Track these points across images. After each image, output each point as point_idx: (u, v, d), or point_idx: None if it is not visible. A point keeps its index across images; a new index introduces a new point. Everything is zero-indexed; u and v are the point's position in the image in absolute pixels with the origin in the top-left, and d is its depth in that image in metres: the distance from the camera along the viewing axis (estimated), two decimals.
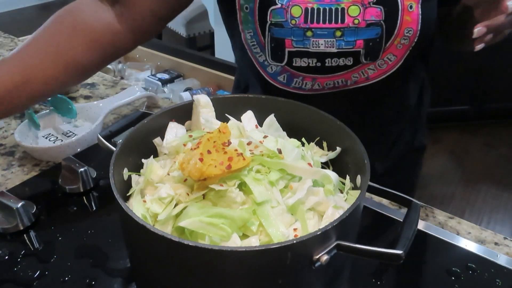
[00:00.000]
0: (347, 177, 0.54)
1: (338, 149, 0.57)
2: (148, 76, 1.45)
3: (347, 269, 0.52)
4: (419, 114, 0.88)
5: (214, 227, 0.43)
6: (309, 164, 0.52)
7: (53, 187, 0.73)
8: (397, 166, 0.86)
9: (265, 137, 0.55)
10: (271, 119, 0.60)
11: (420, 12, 0.67)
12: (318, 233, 0.40)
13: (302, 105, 0.59)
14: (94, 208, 0.70)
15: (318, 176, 0.50)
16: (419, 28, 0.68)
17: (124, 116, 0.86)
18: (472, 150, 2.43)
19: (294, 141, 0.57)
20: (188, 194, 0.47)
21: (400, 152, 0.86)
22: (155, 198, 0.47)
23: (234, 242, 0.43)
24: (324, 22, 0.68)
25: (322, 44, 0.68)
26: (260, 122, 0.60)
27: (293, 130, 0.60)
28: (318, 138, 0.59)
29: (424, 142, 0.92)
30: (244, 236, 0.45)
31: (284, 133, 0.60)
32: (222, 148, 0.49)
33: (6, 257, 0.60)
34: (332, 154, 0.57)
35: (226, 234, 0.43)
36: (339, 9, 0.67)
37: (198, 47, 2.84)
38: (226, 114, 0.59)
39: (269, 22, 0.69)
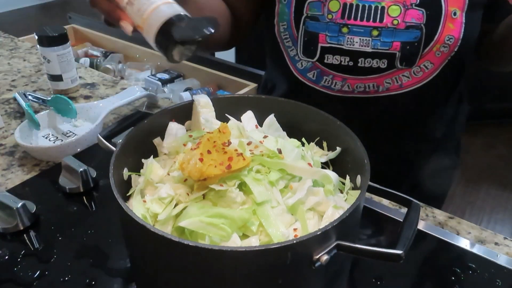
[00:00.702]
0: (347, 177, 0.54)
1: (338, 149, 0.57)
2: (148, 76, 1.45)
3: (347, 269, 0.52)
4: (453, 132, 0.84)
5: (214, 227, 0.43)
6: (309, 164, 0.52)
7: (53, 187, 0.73)
8: (424, 183, 0.82)
9: (265, 137, 0.55)
10: (271, 119, 0.60)
11: (464, 20, 0.65)
12: (318, 233, 0.40)
13: (302, 105, 0.59)
14: (94, 208, 0.70)
15: (318, 176, 0.50)
16: (461, 37, 0.65)
17: (124, 116, 0.86)
18: (472, 150, 2.43)
19: (294, 141, 0.57)
20: (188, 194, 0.47)
21: (427, 171, 0.82)
22: (155, 198, 0.47)
23: (234, 242, 0.43)
24: (361, 19, 0.66)
25: (357, 42, 0.67)
26: (260, 122, 0.60)
27: (293, 130, 0.60)
28: (318, 138, 0.59)
29: (456, 162, 0.87)
30: (244, 236, 0.45)
31: (284, 133, 0.60)
32: (222, 148, 0.49)
33: (6, 257, 0.60)
34: (332, 154, 0.57)
35: (226, 234, 0.43)
36: (379, 8, 0.65)
37: None
38: (226, 114, 0.59)
39: (305, 14, 0.67)
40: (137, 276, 0.55)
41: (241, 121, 0.59)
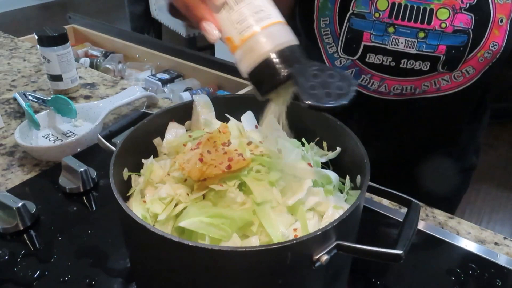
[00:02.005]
0: (347, 177, 0.54)
1: (338, 149, 0.57)
2: (148, 76, 1.44)
3: (347, 269, 0.52)
4: (476, 135, 0.84)
5: (214, 227, 0.43)
6: (309, 164, 0.52)
7: (53, 187, 0.73)
8: (442, 185, 0.81)
9: (265, 137, 0.55)
10: (271, 119, 0.60)
11: (509, 28, 0.64)
12: (318, 233, 0.40)
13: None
14: (94, 208, 0.70)
15: (318, 176, 0.50)
16: (503, 44, 0.64)
17: (124, 116, 0.86)
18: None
19: (294, 141, 0.57)
20: (188, 194, 0.47)
21: (446, 172, 0.82)
22: (155, 198, 0.47)
23: (234, 242, 0.43)
24: (409, 20, 0.65)
25: (402, 43, 0.66)
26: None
27: (293, 130, 0.60)
28: (318, 138, 0.59)
29: (475, 163, 0.87)
30: (244, 236, 0.45)
31: (284, 133, 0.60)
32: (222, 148, 0.49)
33: (6, 257, 0.60)
34: (332, 154, 0.57)
35: (226, 234, 0.43)
36: (428, 10, 0.64)
37: (198, 47, 2.84)
38: (226, 114, 0.59)
39: (351, 11, 0.66)
40: (137, 276, 0.55)
41: (241, 121, 0.59)
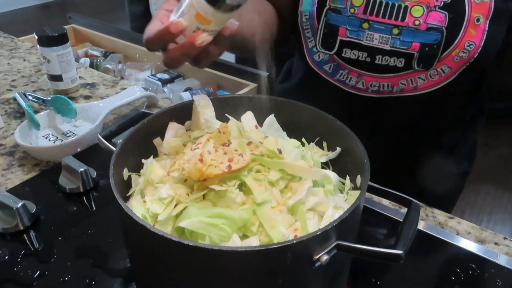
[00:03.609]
0: (347, 177, 0.54)
1: (338, 149, 0.57)
2: (148, 76, 1.44)
3: (347, 269, 0.52)
4: (467, 138, 0.83)
5: (214, 228, 0.43)
6: (309, 164, 0.52)
7: (53, 187, 0.73)
8: (430, 187, 0.80)
9: (265, 137, 0.55)
10: (271, 119, 0.60)
11: (487, 28, 0.64)
12: (318, 233, 0.40)
13: (302, 105, 0.59)
14: (94, 208, 0.70)
15: (318, 176, 0.50)
16: (482, 44, 0.64)
17: (124, 116, 0.86)
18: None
19: (294, 141, 0.57)
20: (188, 195, 0.47)
21: (434, 175, 0.81)
22: (155, 198, 0.47)
23: (234, 242, 0.43)
24: (384, 16, 0.66)
25: (376, 39, 0.67)
26: (260, 122, 0.60)
27: (293, 130, 0.60)
28: (318, 138, 0.59)
29: (466, 168, 0.86)
30: (244, 237, 0.45)
31: (284, 133, 0.60)
32: (222, 149, 0.49)
33: (6, 257, 0.60)
34: (332, 154, 0.57)
35: (226, 234, 0.43)
36: (402, 7, 0.65)
37: None
38: (226, 114, 0.59)
39: (327, 6, 0.67)
40: (137, 276, 0.55)
41: (241, 121, 0.59)
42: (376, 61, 0.68)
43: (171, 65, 0.51)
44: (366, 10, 0.66)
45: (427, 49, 0.66)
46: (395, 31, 0.66)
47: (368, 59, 0.69)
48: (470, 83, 0.74)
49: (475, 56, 0.65)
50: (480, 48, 0.65)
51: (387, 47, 0.67)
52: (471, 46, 0.64)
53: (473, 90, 0.77)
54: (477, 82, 0.76)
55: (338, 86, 0.74)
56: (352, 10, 0.66)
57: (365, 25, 0.67)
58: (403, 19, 0.65)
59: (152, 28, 0.50)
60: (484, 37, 0.64)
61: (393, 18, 0.65)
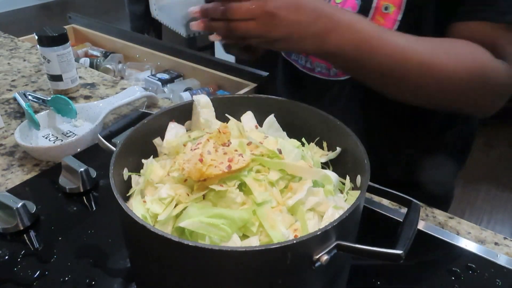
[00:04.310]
0: (347, 177, 0.54)
1: (338, 149, 0.57)
2: (148, 76, 1.44)
3: (347, 269, 0.52)
4: (459, 131, 0.82)
5: (214, 228, 0.43)
6: (309, 164, 0.52)
7: (53, 187, 0.73)
8: (422, 181, 0.79)
9: (265, 137, 0.55)
10: (271, 119, 0.60)
11: (400, 18, 0.65)
12: (318, 233, 0.40)
13: (302, 105, 0.59)
14: (94, 208, 0.70)
15: (318, 177, 0.50)
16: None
17: (124, 116, 0.86)
18: (472, 150, 2.43)
19: (294, 141, 0.57)
20: (188, 195, 0.47)
21: (424, 166, 0.79)
22: (155, 198, 0.47)
23: (234, 242, 0.43)
24: None
25: None
26: (260, 122, 0.60)
27: (293, 130, 0.60)
28: (318, 138, 0.59)
29: (450, 169, 0.85)
30: (244, 237, 0.45)
31: (284, 133, 0.60)
32: (222, 149, 0.49)
33: (6, 257, 0.60)
34: (332, 154, 0.57)
35: (226, 234, 0.43)
36: None
37: (198, 47, 2.84)
38: (226, 114, 0.59)
39: None
40: (137, 276, 0.55)
41: (241, 121, 0.59)
42: None
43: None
44: None
45: None
46: None
47: None
48: None
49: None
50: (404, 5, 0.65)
51: None
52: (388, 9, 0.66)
53: None
54: None
55: (294, 66, 0.77)
56: None
57: None
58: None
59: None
60: (396, 27, 0.65)
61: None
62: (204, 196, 0.47)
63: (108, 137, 0.55)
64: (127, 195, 0.51)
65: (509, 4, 0.59)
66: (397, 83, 0.59)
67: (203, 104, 0.59)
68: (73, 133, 0.88)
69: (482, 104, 0.64)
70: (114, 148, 0.51)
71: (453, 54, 0.58)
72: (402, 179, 0.77)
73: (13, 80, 1.11)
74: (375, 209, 0.68)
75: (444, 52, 0.58)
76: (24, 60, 1.23)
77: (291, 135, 0.60)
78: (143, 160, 0.54)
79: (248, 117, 0.60)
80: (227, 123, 0.56)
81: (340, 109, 0.74)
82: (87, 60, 1.54)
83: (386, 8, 0.65)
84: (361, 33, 0.56)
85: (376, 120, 0.77)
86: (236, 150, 0.49)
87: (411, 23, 0.65)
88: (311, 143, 0.59)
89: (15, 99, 1.00)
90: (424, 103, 0.63)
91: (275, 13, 0.54)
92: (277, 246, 0.39)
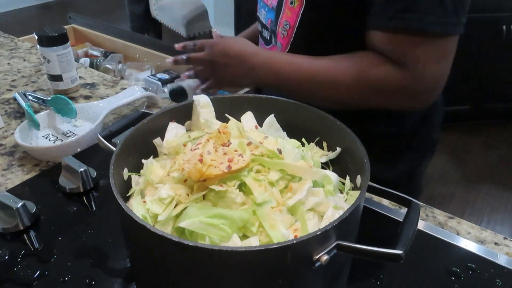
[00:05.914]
0: (347, 177, 0.54)
1: (338, 149, 0.57)
2: (148, 76, 1.44)
3: (347, 269, 0.52)
4: (411, 138, 0.83)
5: (214, 228, 0.43)
6: (309, 164, 0.52)
7: (53, 187, 0.73)
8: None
9: (265, 137, 0.54)
10: (271, 119, 0.60)
11: (301, 12, 0.72)
12: (318, 233, 0.40)
13: (302, 105, 0.59)
14: (94, 208, 0.70)
15: (318, 177, 0.50)
16: (296, 25, 0.74)
17: (124, 116, 0.86)
18: (472, 150, 2.43)
19: (294, 142, 0.57)
20: (188, 195, 0.47)
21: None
22: (155, 198, 0.47)
23: (234, 242, 0.43)
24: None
25: (261, 15, 0.85)
26: (260, 122, 0.60)
27: (293, 130, 0.60)
28: (318, 138, 0.59)
29: (408, 165, 0.85)
30: (244, 237, 0.45)
31: (284, 133, 0.60)
32: (222, 149, 0.49)
33: (6, 257, 0.60)
34: (332, 154, 0.57)
35: (226, 234, 0.43)
36: None
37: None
38: (226, 114, 0.59)
39: None
40: (137, 276, 0.55)
41: (241, 121, 0.59)
42: (263, 34, 0.85)
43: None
44: None
45: (272, 24, 0.80)
46: (267, 9, 0.81)
47: (262, 30, 0.85)
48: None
49: (292, 35, 0.75)
50: (295, 30, 0.74)
51: (264, 22, 0.83)
52: (287, 25, 0.75)
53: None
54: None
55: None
56: None
57: (261, 3, 0.83)
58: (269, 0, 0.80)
59: None
60: (299, 20, 0.73)
61: None
62: (204, 196, 0.47)
63: (108, 137, 0.55)
64: (127, 195, 0.51)
65: (395, 8, 0.62)
66: (310, 94, 0.72)
67: (203, 104, 0.59)
68: (73, 133, 0.88)
69: (393, 103, 0.70)
70: (114, 148, 0.51)
71: (340, 66, 0.69)
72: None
73: (13, 80, 1.11)
74: (375, 209, 0.68)
75: (333, 65, 0.70)
76: (24, 60, 1.23)
77: (291, 135, 0.60)
78: (143, 160, 0.54)
79: (248, 117, 0.60)
80: (227, 123, 0.56)
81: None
82: (87, 60, 1.54)
83: (292, 3, 0.73)
84: (275, 65, 0.73)
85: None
86: (236, 150, 0.49)
87: (312, 17, 0.72)
88: (311, 143, 0.59)
89: (15, 99, 1.00)
90: (338, 106, 0.68)
91: (211, 60, 0.76)
92: (277, 246, 0.39)
